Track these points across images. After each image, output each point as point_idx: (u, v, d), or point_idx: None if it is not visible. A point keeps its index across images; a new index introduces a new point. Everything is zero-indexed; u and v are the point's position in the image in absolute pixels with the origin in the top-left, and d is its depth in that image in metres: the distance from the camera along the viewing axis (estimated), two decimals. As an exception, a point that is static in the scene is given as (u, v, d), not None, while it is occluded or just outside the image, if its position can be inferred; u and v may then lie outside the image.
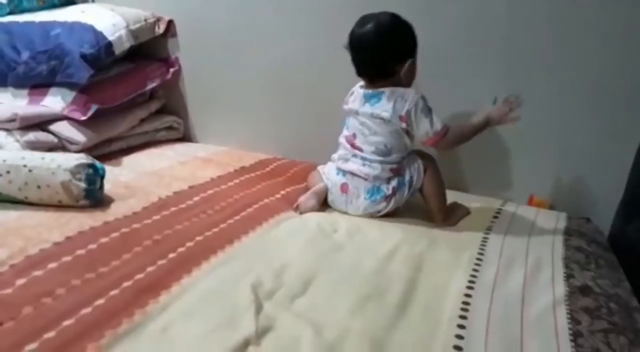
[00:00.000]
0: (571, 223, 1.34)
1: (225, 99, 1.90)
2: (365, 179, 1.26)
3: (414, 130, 1.23)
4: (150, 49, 1.91)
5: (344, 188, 1.29)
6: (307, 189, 1.36)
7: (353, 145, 1.29)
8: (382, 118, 1.23)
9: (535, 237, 1.20)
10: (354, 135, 1.29)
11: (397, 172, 1.26)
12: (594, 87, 1.37)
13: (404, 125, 1.22)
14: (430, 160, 1.29)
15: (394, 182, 1.25)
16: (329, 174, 1.34)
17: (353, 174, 1.28)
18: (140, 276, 0.89)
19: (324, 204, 1.34)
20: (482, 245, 1.14)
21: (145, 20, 1.81)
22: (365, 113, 1.26)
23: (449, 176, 1.56)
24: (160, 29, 1.86)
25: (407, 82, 1.25)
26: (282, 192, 1.40)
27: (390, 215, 1.28)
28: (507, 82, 1.44)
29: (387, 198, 1.25)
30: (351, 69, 1.49)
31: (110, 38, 1.65)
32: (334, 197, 1.32)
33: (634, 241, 1.20)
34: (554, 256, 1.10)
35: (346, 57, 1.59)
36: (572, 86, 1.39)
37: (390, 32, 1.21)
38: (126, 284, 0.87)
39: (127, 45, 1.72)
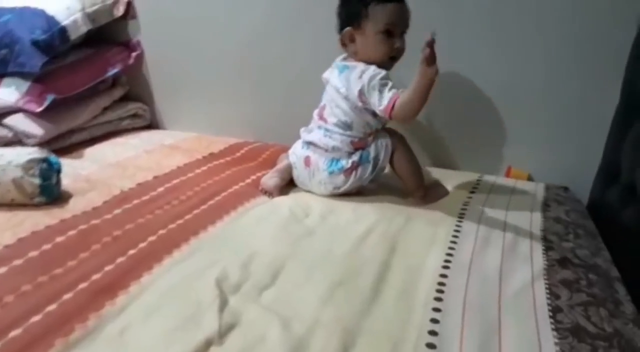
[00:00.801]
0: (549, 193, 1.31)
1: (192, 83, 1.82)
2: (326, 150, 1.22)
3: (370, 106, 1.17)
4: (109, 33, 1.82)
5: (307, 161, 1.24)
6: None
7: (321, 117, 1.25)
8: (341, 93, 1.19)
9: (513, 210, 1.17)
10: (324, 106, 1.26)
11: (360, 146, 1.21)
12: (568, 54, 1.33)
13: (360, 104, 1.17)
14: (400, 138, 1.24)
15: (355, 157, 1.20)
16: (295, 149, 1.30)
17: (315, 145, 1.24)
18: (97, 276, 0.84)
19: (290, 184, 1.29)
20: (458, 221, 1.10)
21: (103, 1, 1.71)
22: (332, 84, 1.22)
23: (426, 153, 1.53)
24: (120, 10, 1.76)
25: (366, 56, 1.18)
26: (253, 177, 1.35)
27: (365, 194, 1.24)
28: (486, 49, 1.40)
29: (347, 172, 1.20)
30: (319, 45, 1.44)
31: (64, 22, 1.56)
32: (299, 172, 1.27)
33: (613, 207, 1.18)
34: (532, 228, 1.08)
35: (313, 33, 1.53)
36: (545, 54, 1.35)
37: None
38: (82, 285, 0.81)
39: (83, 29, 1.63)
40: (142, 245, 0.95)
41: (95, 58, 1.71)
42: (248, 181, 1.32)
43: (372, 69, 1.15)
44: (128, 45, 1.82)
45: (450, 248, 0.97)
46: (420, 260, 0.92)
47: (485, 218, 1.12)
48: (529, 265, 0.91)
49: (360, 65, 1.17)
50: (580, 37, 1.30)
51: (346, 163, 1.20)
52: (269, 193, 1.22)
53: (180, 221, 1.06)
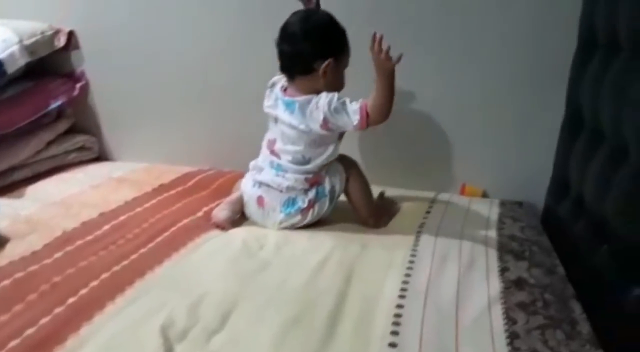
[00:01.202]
0: (504, 209, 1.32)
1: (141, 111, 1.77)
2: (280, 191, 1.18)
3: (341, 129, 1.16)
4: (52, 64, 1.75)
5: (259, 201, 1.21)
6: None
7: (272, 151, 1.21)
8: (299, 129, 1.15)
9: (468, 229, 1.17)
10: (274, 141, 1.22)
11: (315, 182, 1.18)
12: (514, 69, 1.35)
13: (325, 132, 1.14)
14: (353, 165, 1.23)
15: (311, 194, 1.18)
16: (245, 186, 1.26)
17: (267, 185, 1.20)
18: (30, 330, 0.78)
19: (242, 216, 1.25)
20: (414, 245, 1.09)
21: (42, 33, 1.65)
22: (284, 121, 1.17)
23: (379, 173, 1.52)
24: (61, 41, 1.70)
25: (327, 86, 1.14)
26: (205, 208, 1.30)
27: (321, 222, 1.21)
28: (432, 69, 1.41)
29: (304, 211, 1.17)
30: (271, 68, 1.41)
31: (0, 56, 1.49)
32: (251, 210, 1.23)
33: (565, 220, 1.19)
34: (488, 248, 1.07)
35: (265, 56, 1.50)
36: (491, 72, 1.37)
37: (317, 24, 1.14)
38: (13, 343, 0.75)
39: (21, 62, 1.56)
40: (83, 291, 0.89)
41: (36, 91, 1.64)
42: (199, 213, 1.28)
43: (324, 95, 1.13)
44: (72, 76, 1.76)
45: (407, 274, 0.95)
46: (376, 289, 0.90)
47: (441, 240, 1.11)
48: (485, 288, 0.90)
49: (308, 97, 1.14)
50: (524, 54, 1.33)
51: (302, 202, 1.17)
52: (220, 227, 1.18)
53: (125, 262, 1.00)
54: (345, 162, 1.22)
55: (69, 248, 1.07)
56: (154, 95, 1.73)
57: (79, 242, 1.09)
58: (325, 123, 1.12)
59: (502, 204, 1.36)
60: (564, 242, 1.13)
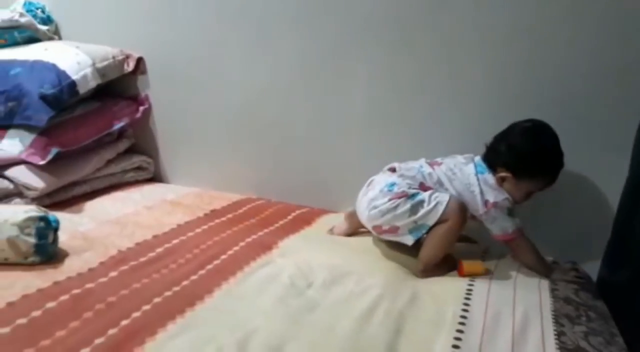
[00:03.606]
0: (557, 269, 1.27)
1: (197, 137, 1.83)
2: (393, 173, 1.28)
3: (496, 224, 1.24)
4: (119, 87, 1.84)
5: (371, 182, 1.30)
6: None
7: (432, 166, 1.29)
8: (469, 189, 1.23)
9: (520, 288, 1.13)
10: (434, 173, 1.27)
11: (424, 189, 1.22)
12: (576, 125, 1.32)
13: (484, 209, 1.22)
14: (461, 211, 1.17)
15: (411, 191, 1.20)
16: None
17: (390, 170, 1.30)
18: (86, 350, 0.80)
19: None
20: (466, 299, 1.06)
21: (113, 57, 1.74)
22: (463, 171, 1.26)
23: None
24: (130, 66, 1.79)
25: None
26: (254, 236, 1.33)
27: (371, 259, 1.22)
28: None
29: (393, 196, 1.19)
30: (322, 103, 1.46)
31: (74, 77, 1.58)
32: (361, 192, 1.31)
33: (623, 288, 1.14)
34: (542, 310, 1.03)
35: (316, 95, 1.56)
36: (556, 126, 1.34)
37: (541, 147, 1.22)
38: (68, 361, 0.77)
39: (92, 84, 1.65)
40: (135, 315, 0.91)
41: (102, 111, 1.72)
42: (249, 240, 1.30)
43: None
44: (136, 99, 1.84)
45: (459, 330, 0.92)
46: (427, 344, 0.88)
47: (493, 296, 1.07)
48: (541, 353, 0.87)
49: (500, 194, 1.21)
50: (587, 108, 1.31)
51: (398, 188, 1.20)
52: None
53: (176, 288, 1.02)
54: (461, 205, 1.18)
55: (123, 268, 1.10)
56: (209, 125, 1.78)
57: (132, 263, 1.12)
58: (490, 204, 1.21)
59: (554, 262, 1.32)
60: (623, 312, 1.08)
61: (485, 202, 1.21)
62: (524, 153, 1.20)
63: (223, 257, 1.19)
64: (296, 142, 1.66)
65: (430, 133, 1.47)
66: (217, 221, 1.44)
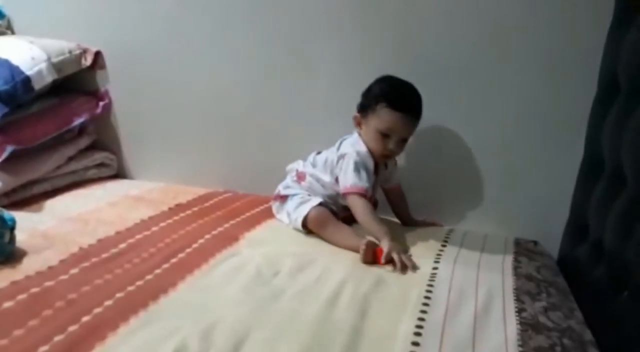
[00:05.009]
0: (520, 248, 1.31)
1: (161, 132, 1.80)
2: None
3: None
4: (78, 82, 1.79)
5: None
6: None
7: None
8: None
9: (484, 267, 1.15)
10: None
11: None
12: (533, 110, 1.36)
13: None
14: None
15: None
16: None
17: None
18: (44, 348, 0.77)
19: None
20: (430, 280, 1.07)
21: (70, 52, 1.69)
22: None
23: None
24: (87, 61, 1.74)
25: (366, 143, 1.32)
26: (220, 228, 1.32)
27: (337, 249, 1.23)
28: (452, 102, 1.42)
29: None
30: (292, 98, 1.47)
31: (28, 72, 1.53)
32: None
33: (583, 263, 1.17)
34: (505, 288, 1.06)
35: (282, 85, 1.55)
36: (511, 110, 1.38)
37: None
38: (27, 359, 0.75)
39: (48, 79, 1.60)
40: (97, 310, 0.89)
41: (61, 108, 1.67)
42: (215, 232, 1.29)
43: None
44: (96, 95, 1.80)
45: (422, 311, 0.94)
46: (392, 326, 0.89)
47: (456, 278, 1.09)
48: (502, 330, 0.89)
49: (354, 146, 1.31)
50: (543, 96, 1.34)
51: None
52: None
53: (140, 283, 1.00)
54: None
55: (85, 264, 1.07)
56: (173, 118, 1.76)
57: (94, 259, 1.10)
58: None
59: (517, 242, 1.35)
60: (582, 286, 1.11)
61: (340, 156, 1.31)
62: (367, 88, 1.31)
63: (188, 250, 1.17)
64: (263, 133, 1.65)
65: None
66: (182, 214, 1.42)
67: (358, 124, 1.33)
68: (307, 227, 1.30)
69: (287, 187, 1.43)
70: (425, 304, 0.97)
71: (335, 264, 1.13)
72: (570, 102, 1.32)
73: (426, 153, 1.48)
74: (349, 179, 1.26)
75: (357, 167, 1.27)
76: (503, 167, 1.42)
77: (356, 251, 1.16)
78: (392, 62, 1.43)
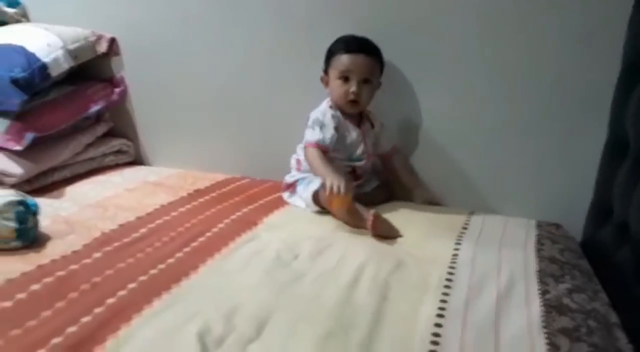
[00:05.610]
0: (542, 230, 1.29)
1: (177, 118, 1.80)
2: None
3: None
4: (93, 69, 1.79)
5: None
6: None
7: None
8: None
9: (506, 249, 1.14)
10: None
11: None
12: (554, 91, 1.33)
13: None
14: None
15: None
16: None
17: None
18: (72, 329, 0.79)
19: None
20: (452, 262, 1.07)
21: (85, 38, 1.69)
22: None
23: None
24: (102, 47, 1.74)
25: (333, 99, 1.41)
26: (239, 213, 1.32)
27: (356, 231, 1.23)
28: (467, 88, 1.40)
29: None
30: (306, 82, 1.46)
31: (45, 59, 1.53)
32: None
33: (606, 246, 1.16)
34: (527, 270, 1.05)
35: (301, 70, 1.54)
36: (532, 89, 1.35)
37: None
38: (55, 340, 0.76)
39: (65, 66, 1.60)
40: (121, 293, 0.90)
41: (77, 95, 1.68)
42: (233, 217, 1.30)
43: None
44: (112, 82, 1.80)
45: (444, 293, 0.93)
46: (413, 308, 0.88)
47: (479, 259, 1.09)
48: (525, 312, 0.88)
49: (321, 108, 1.40)
50: (564, 77, 1.31)
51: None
52: None
53: (162, 266, 1.01)
54: None
55: (107, 249, 1.09)
56: (189, 104, 1.75)
57: (116, 244, 1.11)
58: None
59: (539, 225, 1.33)
60: (606, 268, 1.10)
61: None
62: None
63: (208, 234, 1.18)
64: (280, 119, 1.64)
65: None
66: (200, 200, 1.42)
67: (326, 83, 1.40)
68: (319, 204, 1.33)
69: (292, 176, 1.46)
70: (447, 286, 0.96)
71: (355, 247, 1.13)
72: (593, 81, 1.29)
73: (446, 137, 1.46)
74: (305, 138, 1.37)
75: (313, 125, 1.35)
76: (523, 149, 1.40)
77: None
78: (414, 43, 1.41)
